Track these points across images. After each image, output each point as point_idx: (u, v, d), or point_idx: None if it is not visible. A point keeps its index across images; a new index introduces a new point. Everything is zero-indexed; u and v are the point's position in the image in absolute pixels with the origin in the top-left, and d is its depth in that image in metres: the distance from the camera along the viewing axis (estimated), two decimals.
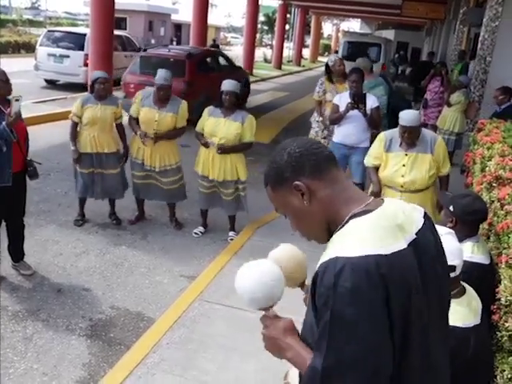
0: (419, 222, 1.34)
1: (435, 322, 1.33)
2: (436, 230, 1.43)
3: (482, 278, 2.61)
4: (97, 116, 5.05)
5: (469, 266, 2.60)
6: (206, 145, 4.95)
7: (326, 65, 6.65)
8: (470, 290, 2.36)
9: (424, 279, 1.27)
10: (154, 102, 5.10)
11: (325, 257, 1.25)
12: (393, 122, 5.35)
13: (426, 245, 1.32)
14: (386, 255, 1.20)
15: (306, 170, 1.36)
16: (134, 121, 5.22)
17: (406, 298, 1.20)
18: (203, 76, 11.28)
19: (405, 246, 1.25)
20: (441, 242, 1.42)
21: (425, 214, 1.40)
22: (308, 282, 1.64)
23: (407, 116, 3.83)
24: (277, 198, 1.43)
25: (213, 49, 16.81)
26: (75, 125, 5.13)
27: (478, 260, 2.65)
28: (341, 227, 1.31)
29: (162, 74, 5.14)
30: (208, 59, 12.80)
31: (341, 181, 1.38)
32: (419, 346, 1.26)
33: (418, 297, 1.23)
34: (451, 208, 2.79)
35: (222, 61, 13.53)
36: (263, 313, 1.49)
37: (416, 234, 1.30)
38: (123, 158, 5.33)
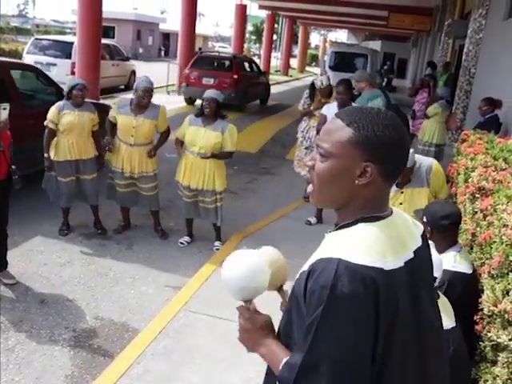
0: (419, 240, 1.37)
1: (426, 337, 1.34)
2: (430, 249, 1.45)
3: (465, 287, 2.63)
4: (74, 122, 5.03)
5: (452, 276, 2.63)
6: (179, 154, 5.06)
7: (312, 85, 6.63)
8: (441, 295, 2.39)
9: (413, 298, 1.29)
10: (131, 109, 5.10)
11: (325, 253, 1.23)
12: None
13: (420, 264, 1.34)
14: (385, 271, 1.20)
15: (390, 167, 1.27)
16: (111, 125, 5.23)
17: (392, 314, 1.21)
18: (243, 74, 15.52)
19: (402, 264, 1.26)
20: (431, 261, 1.45)
21: (423, 232, 1.43)
22: (287, 286, 1.65)
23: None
24: (340, 146, 1.27)
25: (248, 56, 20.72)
26: (51, 132, 5.06)
27: (460, 269, 2.68)
28: (347, 225, 1.29)
29: (143, 79, 5.14)
30: (245, 63, 17.04)
31: (387, 193, 1.35)
32: (402, 362, 1.27)
33: (404, 314, 1.25)
34: (424, 219, 2.81)
35: (252, 66, 17.52)
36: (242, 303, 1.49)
37: (414, 251, 1.32)
38: (97, 166, 5.33)
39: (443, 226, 2.77)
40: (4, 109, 3.85)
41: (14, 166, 4.14)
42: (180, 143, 5.09)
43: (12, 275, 4.30)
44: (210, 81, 14.54)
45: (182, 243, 5.34)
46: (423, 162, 3.61)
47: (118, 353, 3.50)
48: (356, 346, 1.17)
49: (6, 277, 4.27)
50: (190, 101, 15.21)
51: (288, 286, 1.66)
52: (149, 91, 5.05)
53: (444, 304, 2.36)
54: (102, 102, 9.10)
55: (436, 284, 2.25)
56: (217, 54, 17.92)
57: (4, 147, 3.98)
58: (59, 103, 5.11)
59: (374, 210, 1.30)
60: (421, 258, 1.35)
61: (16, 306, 3.97)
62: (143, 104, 5.07)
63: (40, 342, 3.57)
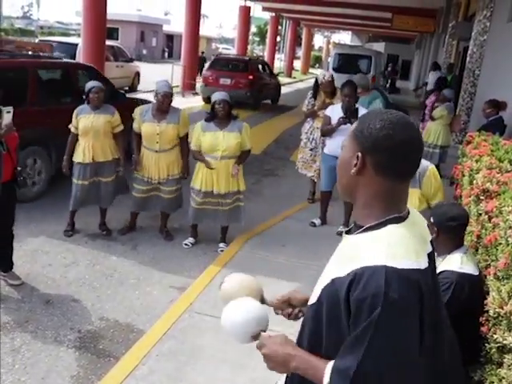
0: (430, 235, 1.46)
1: (442, 329, 1.42)
2: None
3: (473, 288, 2.63)
4: (89, 125, 5.07)
5: (459, 277, 2.62)
6: (209, 166, 4.92)
7: (315, 81, 6.67)
8: None
9: (434, 286, 1.36)
10: (153, 115, 5.11)
11: (365, 260, 1.24)
12: None
13: (433, 253, 1.43)
14: (422, 270, 1.27)
15: (380, 158, 1.31)
16: (137, 137, 5.24)
17: (430, 310, 1.29)
18: (257, 75, 16.88)
19: (427, 259, 1.34)
20: None
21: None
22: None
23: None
24: (348, 138, 1.40)
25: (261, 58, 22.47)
26: (73, 135, 5.19)
27: (467, 271, 2.67)
28: (373, 227, 1.32)
29: (163, 83, 5.15)
30: (259, 65, 18.26)
31: (398, 192, 1.36)
32: (433, 348, 1.34)
33: (435, 309, 1.34)
34: (431, 219, 2.80)
35: (265, 68, 18.95)
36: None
37: (430, 241, 1.43)
38: (119, 167, 5.34)
39: (450, 227, 2.76)
40: (8, 112, 3.85)
41: (19, 168, 4.17)
42: (198, 153, 5.02)
43: (17, 276, 4.32)
44: (227, 81, 15.79)
45: (186, 244, 5.35)
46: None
47: (123, 353, 3.51)
48: (412, 347, 1.23)
49: (12, 277, 4.29)
50: (208, 100, 15.52)
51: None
52: (168, 96, 5.06)
53: None
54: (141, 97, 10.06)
55: None
56: (233, 56, 19.74)
57: (10, 149, 4.00)
58: (79, 107, 5.21)
59: (395, 211, 1.34)
60: (434, 248, 1.45)
61: (21, 307, 3.98)
62: (164, 108, 5.09)
63: (45, 342, 3.58)
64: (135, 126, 5.22)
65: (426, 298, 1.25)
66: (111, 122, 5.21)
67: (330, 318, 1.31)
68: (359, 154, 1.32)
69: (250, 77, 15.98)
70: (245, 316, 1.54)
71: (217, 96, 4.94)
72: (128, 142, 5.71)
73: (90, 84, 5.23)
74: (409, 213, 1.38)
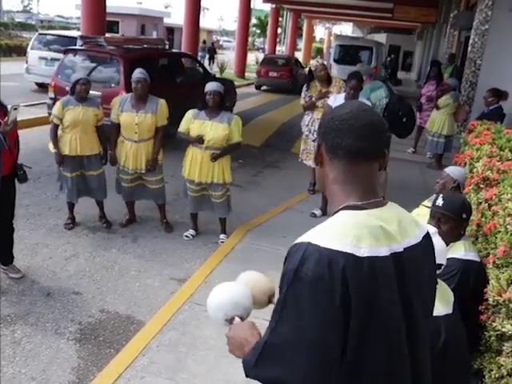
0: (413, 239, 1.31)
1: (418, 331, 1.30)
2: (433, 253, 1.39)
3: (477, 275, 2.62)
4: (79, 118, 5.00)
5: (464, 264, 2.61)
6: (200, 140, 4.85)
7: (309, 70, 6.66)
8: (440, 282, 2.36)
9: (403, 291, 1.25)
10: (131, 105, 5.07)
11: (299, 239, 1.25)
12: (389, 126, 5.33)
13: (412, 262, 1.28)
14: (358, 257, 1.17)
15: (329, 141, 1.31)
16: (115, 128, 5.20)
17: (369, 302, 1.17)
18: (295, 68, 21.69)
19: (386, 254, 1.22)
20: (434, 264, 1.42)
21: (427, 234, 1.37)
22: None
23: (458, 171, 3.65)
24: None
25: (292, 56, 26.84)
26: (56, 127, 5.08)
27: (471, 257, 2.66)
28: (333, 214, 1.32)
29: (138, 70, 5.10)
30: (294, 61, 22.98)
31: (361, 175, 1.30)
32: (388, 366, 1.23)
33: (387, 304, 1.21)
34: (464, 216, 2.76)
35: (298, 63, 23.46)
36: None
37: (404, 248, 1.27)
38: (103, 160, 5.31)
39: (463, 219, 2.78)
40: (15, 109, 3.84)
41: (19, 162, 4.16)
42: (186, 135, 4.96)
43: (18, 269, 4.32)
44: (275, 73, 20.90)
45: (187, 236, 5.34)
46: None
47: (124, 345, 3.51)
48: (317, 330, 1.15)
49: (12, 271, 4.29)
50: (259, 87, 21.62)
51: None
52: (142, 81, 5.00)
53: (443, 290, 2.32)
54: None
55: (439, 271, 2.20)
56: (276, 55, 25.98)
57: (10, 144, 3.99)
58: (63, 98, 5.11)
59: (355, 198, 1.30)
60: (414, 256, 1.29)
61: (22, 300, 3.99)
62: (141, 96, 5.04)
63: (46, 334, 3.59)
64: (113, 116, 5.15)
65: (352, 284, 1.14)
66: (98, 114, 5.15)
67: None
68: (317, 145, 1.39)
69: (291, 70, 21.03)
70: (223, 297, 1.63)
71: (210, 86, 4.87)
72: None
73: (77, 75, 5.15)
74: (378, 205, 1.29)
